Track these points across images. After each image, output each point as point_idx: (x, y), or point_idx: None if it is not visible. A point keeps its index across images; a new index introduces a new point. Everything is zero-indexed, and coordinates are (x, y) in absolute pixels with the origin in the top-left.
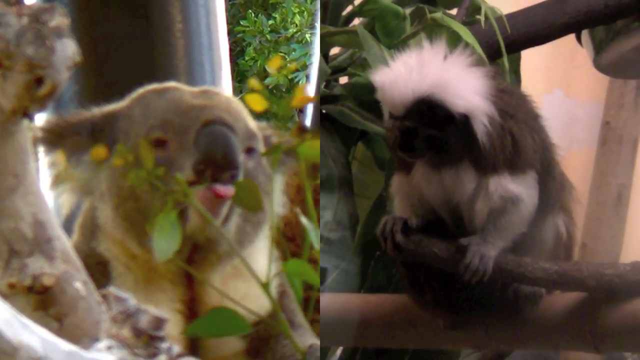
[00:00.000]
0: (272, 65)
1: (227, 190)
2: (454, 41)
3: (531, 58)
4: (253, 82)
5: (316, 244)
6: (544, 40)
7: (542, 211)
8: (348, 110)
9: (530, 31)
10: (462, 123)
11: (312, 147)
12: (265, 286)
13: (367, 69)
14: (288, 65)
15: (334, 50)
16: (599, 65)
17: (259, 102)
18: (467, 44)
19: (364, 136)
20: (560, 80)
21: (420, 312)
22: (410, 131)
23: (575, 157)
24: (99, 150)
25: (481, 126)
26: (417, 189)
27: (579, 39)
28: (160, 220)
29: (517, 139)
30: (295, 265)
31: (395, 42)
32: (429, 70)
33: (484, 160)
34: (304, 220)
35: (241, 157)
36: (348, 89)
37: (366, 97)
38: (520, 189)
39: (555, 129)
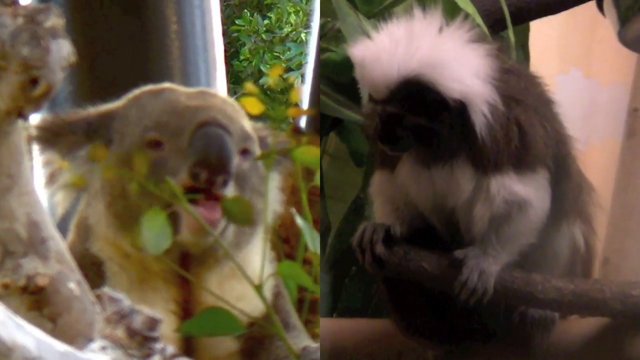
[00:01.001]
0: (273, 74)
1: (217, 214)
2: (452, 11)
3: (542, 30)
4: (249, 86)
5: (312, 245)
6: (558, 8)
7: (555, 218)
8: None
9: None
10: (457, 111)
11: (308, 152)
12: (258, 288)
13: (342, 43)
14: (283, 64)
15: None
16: (624, 40)
17: (255, 105)
18: (466, 15)
19: (337, 125)
20: (577, 58)
21: (405, 341)
22: (393, 118)
23: (596, 152)
24: (98, 150)
25: (480, 116)
26: (403, 190)
27: (600, 7)
28: (148, 218)
29: (525, 130)
30: (289, 268)
31: (377, 9)
32: (419, 45)
33: (484, 156)
34: (299, 221)
35: (235, 159)
36: (318, 67)
37: (340, 77)
38: (529, 190)
39: (571, 117)
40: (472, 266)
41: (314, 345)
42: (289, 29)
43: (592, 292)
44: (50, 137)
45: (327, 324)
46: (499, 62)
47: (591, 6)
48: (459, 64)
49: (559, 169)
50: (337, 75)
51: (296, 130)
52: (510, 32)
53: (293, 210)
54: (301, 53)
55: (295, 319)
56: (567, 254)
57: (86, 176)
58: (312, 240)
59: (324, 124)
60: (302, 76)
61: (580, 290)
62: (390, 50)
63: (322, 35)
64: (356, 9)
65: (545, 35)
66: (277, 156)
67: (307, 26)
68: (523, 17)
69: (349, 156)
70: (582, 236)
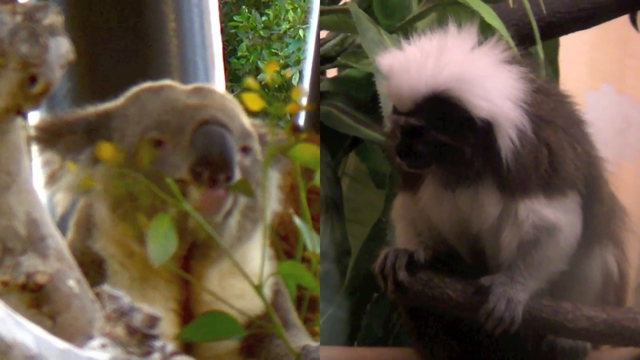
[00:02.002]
0: (268, 71)
1: (225, 193)
2: (484, 28)
3: (572, 45)
4: (250, 82)
5: (310, 245)
6: (590, 22)
7: (586, 243)
8: (337, 112)
9: (572, 11)
10: (483, 131)
11: (307, 150)
12: (258, 288)
13: (362, 59)
14: (281, 61)
15: (321, 35)
16: None
17: (255, 101)
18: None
19: (357, 145)
20: (609, 73)
21: None
22: (415, 131)
23: (628, 172)
24: (106, 148)
25: (507, 140)
26: (426, 213)
27: (633, 21)
28: (154, 225)
29: (555, 152)
30: (289, 268)
31: (398, 24)
32: (451, 60)
33: (511, 180)
34: (297, 221)
35: (237, 157)
36: (337, 84)
37: (360, 94)
38: (559, 215)
39: (603, 135)
40: (499, 294)
41: (314, 344)
42: (287, 26)
43: (626, 321)
44: (50, 137)
45: (346, 353)
46: (531, 84)
47: (623, 20)
48: (490, 83)
49: (590, 192)
50: (357, 93)
51: (295, 128)
52: (539, 48)
53: (291, 211)
54: (299, 49)
55: (294, 316)
56: (599, 280)
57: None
58: (310, 240)
59: (343, 143)
60: (300, 72)
61: (613, 320)
62: (420, 61)
63: (342, 51)
64: (377, 23)
65: (576, 50)
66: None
67: (305, 22)
68: (553, 32)
69: (369, 177)
70: (615, 262)
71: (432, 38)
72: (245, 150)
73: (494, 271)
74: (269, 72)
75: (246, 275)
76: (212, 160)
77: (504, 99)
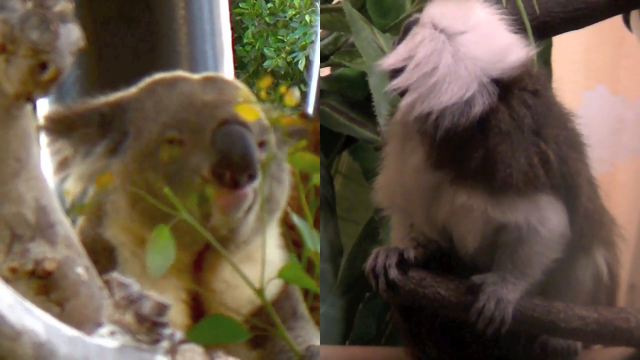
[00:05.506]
0: (262, 85)
1: (246, 192)
2: None
3: (567, 45)
4: (245, 93)
5: (311, 245)
6: (584, 22)
7: (572, 248)
8: (330, 110)
9: (566, 11)
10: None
11: (305, 158)
12: (260, 292)
13: (355, 58)
14: (287, 47)
15: None
16: None
17: (250, 112)
18: None
19: (350, 144)
20: (603, 74)
21: None
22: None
23: (622, 172)
24: (105, 178)
25: (407, 100)
26: (395, 178)
27: (627, 21)
28: (153, 236)
29: (502, 160)
30: (289, 271)
31: (392, 23)
32: (451, 20)
33: (435, 160)
34: (297, 220)
35: (257, 155)
36: (331, 83)
37: (354, 93)
38: (515, 215)
39: (597, 135)
40: (490, 293)
41: (318, 343)
42: (293, 12)
43: (617, 320)
44: (62, 129)
45: (338, 353)
46: (496, 93)
47: (618, 20)
48: (450, 77)
49: (569, 199)
50: (350, 92)
51: (304, 116)
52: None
53: (288, 209)
54: (305, 34)
55: (303, 307)
56: (590, 281)
57: (102, 169)
58: (311, 240)
59: (336, 142)
60: (307, 57)
61: (605, 319)
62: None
63: (335, 50)
64: (371, 22)
65: (570, 50)
66: (283, 138)
67: (311, 7)
68: (547, 32)
69: (363, 176)
70: (605, 263)
71: (489, 7)
72: (262, 144)
73: (466, 262)
74: (262, 88)
75: (247, 280)
76: (234, 162)
77: (451, 95)
